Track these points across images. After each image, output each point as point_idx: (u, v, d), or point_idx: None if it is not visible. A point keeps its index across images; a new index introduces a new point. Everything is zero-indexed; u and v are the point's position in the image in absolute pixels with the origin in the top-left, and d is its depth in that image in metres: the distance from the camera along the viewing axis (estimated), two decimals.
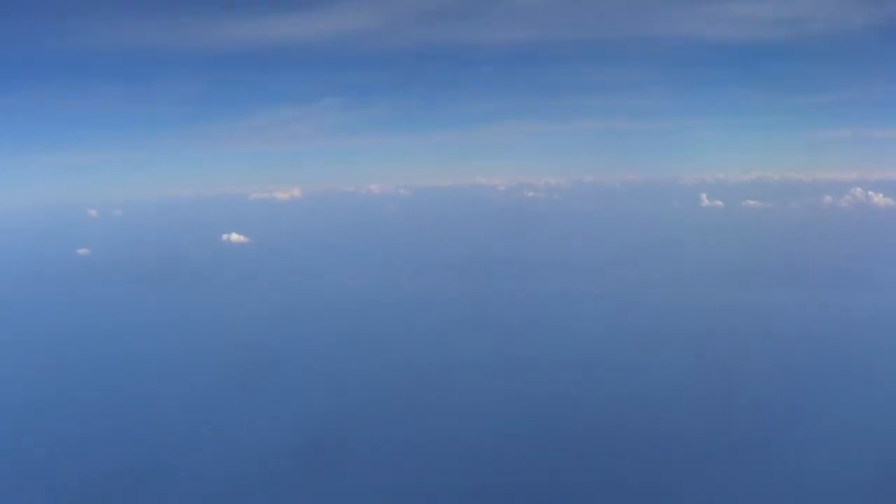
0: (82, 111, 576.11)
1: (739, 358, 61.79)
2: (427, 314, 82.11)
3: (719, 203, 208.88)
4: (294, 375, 60.68)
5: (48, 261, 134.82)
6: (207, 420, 51.30)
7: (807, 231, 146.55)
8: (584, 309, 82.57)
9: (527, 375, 58.44)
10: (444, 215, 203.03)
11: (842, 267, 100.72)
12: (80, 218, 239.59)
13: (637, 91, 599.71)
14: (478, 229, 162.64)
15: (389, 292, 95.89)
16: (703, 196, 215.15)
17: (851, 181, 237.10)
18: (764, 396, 52.19)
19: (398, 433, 47.84)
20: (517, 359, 63.23)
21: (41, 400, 57.04)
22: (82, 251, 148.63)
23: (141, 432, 49.64)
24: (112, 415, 53.34)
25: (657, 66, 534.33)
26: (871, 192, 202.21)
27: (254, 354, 65.61)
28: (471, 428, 48.17)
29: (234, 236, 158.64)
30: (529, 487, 40.05)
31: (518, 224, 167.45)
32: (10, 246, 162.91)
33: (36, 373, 64.41)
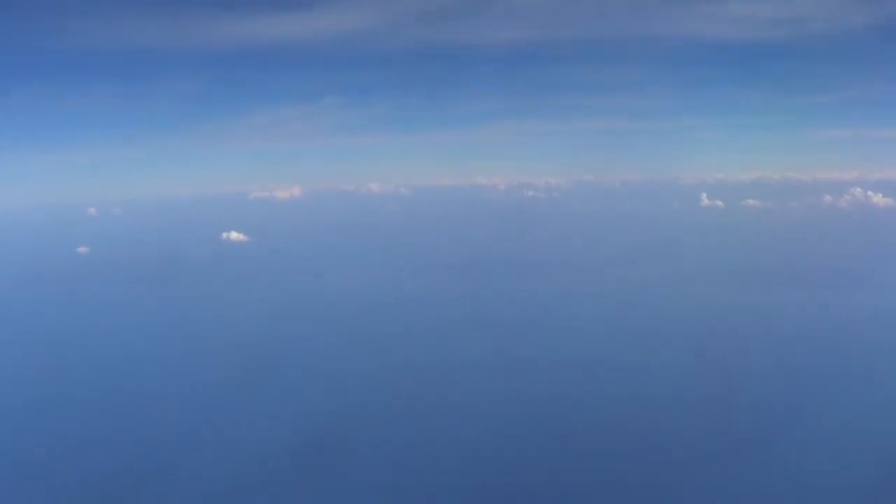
0: (82, 110, 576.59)
1: (739, 358, 61.79)
2: (427, 314, 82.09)
3: (719, 203, 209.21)
4: (294, 375, 60.64)
5: (48, 259, 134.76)
6: (207, 420, 51.25)
7: (807, 231, 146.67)
8: (584, 309, 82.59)
9: (527, 375, 58.43)
10: (444, 215, 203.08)
11: (842, 267, 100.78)
12: (80, 217, 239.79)
13: (637, 91, 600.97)
14: (478, 229, 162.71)
15: (389, 292, 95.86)
16: (703, 196, 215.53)
17: (851, 181, 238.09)
18: (764, 396, 52.20)
19: (398, 433, 47.82)
20: (517, 359, 63.22)
21: (41, 400, 57.00)
22: (82, 250, 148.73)
23: (141, 432, 49.59)
24: (112, 414, 53.28)
25: (657, 66, 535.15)
26: (870, 192, 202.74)
27: (254, 354, 65.55)
28: (471, 428, 48.15)
29: (234, 235, 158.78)
30: (529, 487, 40.03)
31: (518, 224, 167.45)
32: (9, 245, 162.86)
33: (36, 372, 64.34)
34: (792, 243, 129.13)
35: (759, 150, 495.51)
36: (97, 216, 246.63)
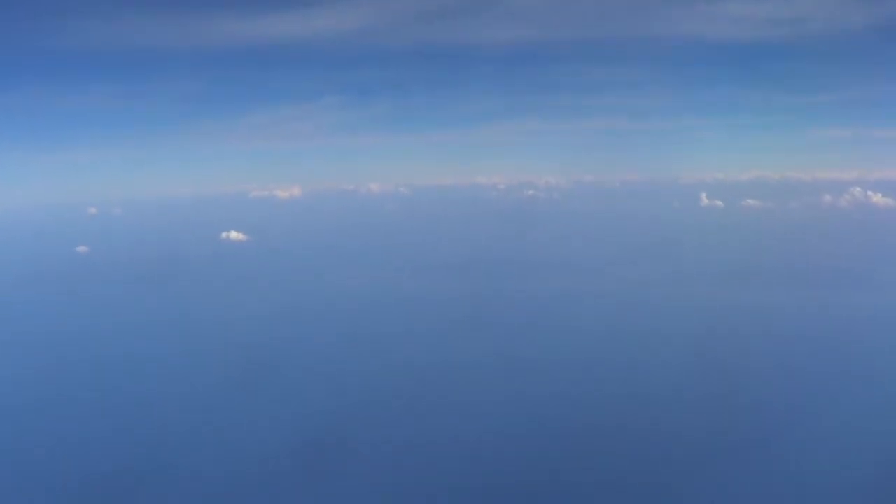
0: (82, 109, 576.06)
1: (739, 358, 61.79)
2: (427, 314, 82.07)
3: (719, 203, 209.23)
4: (294, 375, 60.62)
5: (47, 259, 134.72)
6: (207, 420, 51.23)
7: (807, 231, 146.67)
8: (584, 309, 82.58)
9: (527, 375, 58.42)
10: (444, 215, 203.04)
11: (842, 267, 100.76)
12: (80, 216, 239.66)
13: (637, 91, 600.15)
14: (478, 229, 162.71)
15: (389, 292, 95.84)
16: (703, 196, 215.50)
17: (851, 181, 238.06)
18: (764, 396, 52.19)
19: (398, 433, 47.81)
20: (517, 359, 63.21)
21: (41, 400, 56.97)
22: (81, 249, 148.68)
23: (141, 432, 49.57)
24: (112, 414, 53.26)
25: (657, 66, 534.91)
26: (870, 192, 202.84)
27: (254, 354, 65.50)
28: (471, 428, 48.14)
29: (234, 235, 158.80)
30: (529, 487, 40.03)
31: (518, 224, 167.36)
32: (9, 245, 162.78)
33: (36, 372, 64.30)
34: (792, 243, 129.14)
35: (759, 150, 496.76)
36: (97, 216, 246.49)
